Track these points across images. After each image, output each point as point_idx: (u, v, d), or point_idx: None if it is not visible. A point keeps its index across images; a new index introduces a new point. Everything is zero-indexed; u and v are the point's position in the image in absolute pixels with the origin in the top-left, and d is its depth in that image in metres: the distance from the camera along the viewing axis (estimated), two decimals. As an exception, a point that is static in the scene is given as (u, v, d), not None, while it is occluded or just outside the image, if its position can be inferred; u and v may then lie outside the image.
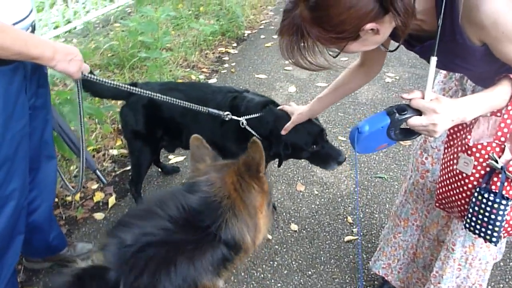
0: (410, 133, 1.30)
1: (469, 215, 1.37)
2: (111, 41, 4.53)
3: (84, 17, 5.12)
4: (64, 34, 4.85)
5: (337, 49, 1.25)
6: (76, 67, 1.55)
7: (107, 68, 4.16)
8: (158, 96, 1.96)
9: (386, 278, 2.06)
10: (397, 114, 1.24)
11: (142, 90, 1.94)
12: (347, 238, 2.53)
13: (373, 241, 2.52)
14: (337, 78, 1.95)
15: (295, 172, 3.07)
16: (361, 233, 2.57)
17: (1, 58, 1.36)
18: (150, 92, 1.95)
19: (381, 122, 1.26)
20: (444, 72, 1.71)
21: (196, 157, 1.41)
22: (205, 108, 2.04)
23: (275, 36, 5.56)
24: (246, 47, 5.29)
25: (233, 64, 4.81)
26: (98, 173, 2.06)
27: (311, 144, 2.13)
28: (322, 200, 2.83)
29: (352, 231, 2.59)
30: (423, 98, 1.24)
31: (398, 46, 1.34)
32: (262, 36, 5.61)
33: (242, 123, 2.13)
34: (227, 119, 2.07)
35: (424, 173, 1.77)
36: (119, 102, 3.49)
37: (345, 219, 2.68)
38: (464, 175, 1.36)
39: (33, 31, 1.61)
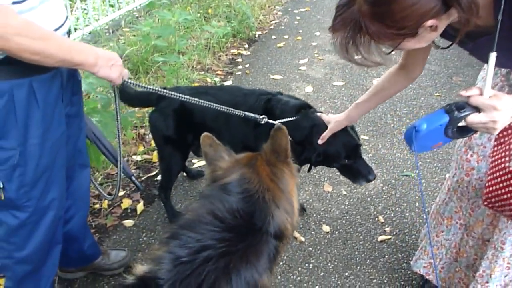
0: (466, 130, 1.28)
1: None
2: (123, 46, 4.51)
3: (94, 23, 5.09)
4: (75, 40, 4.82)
5: (392, 45, 1.23)
6: (117, 72, 1.54)
7: (123, 74, 4.13)
8: (199, 102, 1.94)
9: (427, 277, 2.04)
10: (456, 112, 1.22)
11: (185, 96, 1.91)
12: (380, 238, 2.51)
13: (407, 240, 2.49)
14: (376, 83, 1.92)
15: (321, 172, 3.04)
16: (394, 232, 2.54)
17: (41, 66, 1.34)
18: (190, 98, 1.92)
19: (440, 120, 1.24)
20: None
21: (211, 155, 1.39)
22: (241, 112, 2.01)
23: (286, 36, 5.57)
24: (258, 48, 5.26)
25: (246, 65, 4.79)
26: (134, 179, 2.04)
27: (344, 157, 2.11)
28: (351, 200, 2.80)
29: (385, 230, 2.56)
30: (481, 95, 1.22)
31: (451, 44, 1.31)
32: (273, 37, 5.58)
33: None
34: (263, 122, 2.04)
35: (469, 171, 1.74)
36: (141, 109, 3.48)
37: (377, 219, 2.65)
38: None
39: (68, 37, 1.59)
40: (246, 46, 5.32)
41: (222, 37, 4.99)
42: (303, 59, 4.92)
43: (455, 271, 1.95)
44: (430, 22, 1.10)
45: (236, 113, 2.00)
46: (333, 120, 2.06)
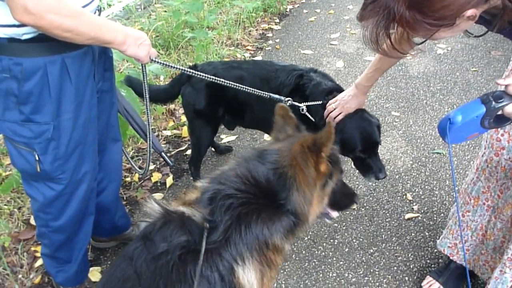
0: (504, 120, 1.23)
1: None
2: (155, 22, 4.54)
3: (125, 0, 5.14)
4: (106, 18, 4.88)
5: (425, 36, 1.17)
6: (145, 51, 1.57)
7: (154, 50, 4.17)
8: (223, 82, 1.95)
9: (451, 257, 2.01)
10: (493, 102, 1.18)
11: (209, 76, 1.95)
12: (407, 215, 2.48)
13: (435, 218, 2.46)
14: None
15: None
16: (422, 211, 2.51)
17: (73, 43, 1.38)
18: (215, 78, 1.94)
19: (476, 112, 1.20)
20: None
21: (278, 126, 1.43)
22: (266, 93, 2.01)
23: (318, 10, 5.47)
24: (289, 22, 5.19)
25: (277, 40, 4.74)
26: (164, 155, 2.08)
27: (360, 150, 2.07)
28: (379, 177, 2.77)
29: (412, 208, 2.54)
30: None
31: (487, 31, 1.26)
32: (305, 11, 5.48)
33: (302, 109, 2.10)
34: (287, 104, 2.02)
35: (499, 150, 1.68)
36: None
37: (404, 196, 2.62)
38: None
39: (99, 14, 1.62)
40: (277, 20, 5.26)
41: (252, 11, 4.95)
42: (335, 33, 4.83)
43: (481, 254, 1.91)
44: (470, 12, 1.05)
45: (261, 94, 2.00)
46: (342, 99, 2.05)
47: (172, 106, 3.45)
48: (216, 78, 1.95)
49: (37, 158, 1.54)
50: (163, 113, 3.33)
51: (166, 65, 1.78)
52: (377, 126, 2.11)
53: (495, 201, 1.78)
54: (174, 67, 1.83)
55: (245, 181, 1.25)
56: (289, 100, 2.04)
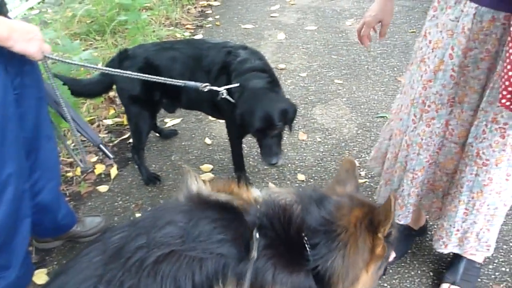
0: None
1: None
2: (87, 6, 4.32)
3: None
4: (37, 5, 4.61)
5: None
6: (36, 47, 1.45)
7: (88, 36, 3.98)
8: (141, 76, 1.90)
9: (399, 222, 1.93)
10: None
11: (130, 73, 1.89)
12: (355, 181, 2.51)
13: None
14: None
15: (295, 121, 3.00)
16: (369, 175, 2.55)
17: None
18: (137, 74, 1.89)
19: None
20: (434, 4, 1.56)
21: (339, 179, 1.31)
22: (182, 82, 1.93)
23: (257, -16, 5.36)
24: (228, -3, 5.08)
25: (217, 17, 4.63)
26: (103, 147, 1.96)
27: (257, 128, 2.05)
28: (326, 146, 2.79)
29: (360, 174, 2.57)
30: None
31: None
32: (243, -16, 5.37)
33: (222, 94, 2.05)
34: (205, 90, 1.95)
35: (430, 121, 1.64)
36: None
37: (351, 163, 2.65)
38: None
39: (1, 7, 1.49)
40: (216, -4, 5.13)
41: (190, -12, 4.80)
42: (274, 5, 4.77)
43: (432, 202, 1.88)
44: None
45: (176, 83, 1.93)
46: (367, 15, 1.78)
47: (112, 94, 3.31)
48: (137, 74, 1.89)
49: None
50: (102, 101, 3.20)
51: (63, 61, 1.66)
52: (283, 110, 2.05)
53: (435, 157, 1.75)
54: (74, 64, 1.71)
55: (292, 220, 1.11)
56: (206, 85, 1.96)
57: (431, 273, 1.99)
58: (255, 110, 2.02)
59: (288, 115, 2.11)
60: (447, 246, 1.79)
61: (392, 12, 1.77)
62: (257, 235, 1.04)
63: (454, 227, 1.74)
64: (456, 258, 1.91)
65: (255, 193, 1.20)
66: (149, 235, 1.02)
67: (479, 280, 1.92)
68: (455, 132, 1.60)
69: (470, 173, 1.59)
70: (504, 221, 2.07)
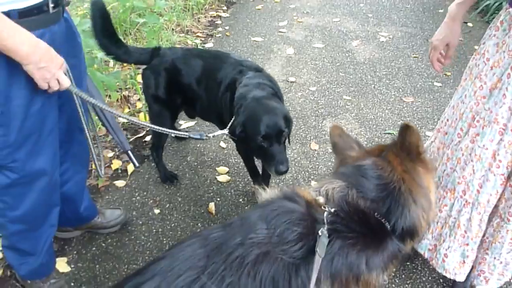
0: None
1: None
2: (99, 7, 4.36)
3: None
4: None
5: None
6: (41, 76, 1.40)
7: (101, 35, 4.02)
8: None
9: (431, 262, 1.90)
10: None
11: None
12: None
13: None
14: None
15: (307, 132, 3.11)
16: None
17: (26, 25, 1.30)
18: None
19: None
20: (496, 24, 1.57)
21: (341, 146, 1.33)
22: (185, 133, 1.91)
23: (265, -2, 5.52)
24: (237, 10, 5.21)
25: (226, 27, 4.75)
26: (131, 154, 1.98)
27: (262, 136, 1.95)
28: (337, 157, 2.89)
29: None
30: None
31: None
32: (252, -1, 5.52)
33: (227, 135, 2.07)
34: (204, 138, 1.90)
35: (474, 137, 1.60)
36: (125, 67, 3.44)
37: (362, 175, 2.75)
38: None
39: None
40: (225, 8, 5.26)
41: (200, -2, 4.92)
42: (283, 21, 4.91)
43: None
44: None
45: (179, 134, 1.94)
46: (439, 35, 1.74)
47: (126, 93, 3.37)
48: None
49: None
50: (117, 100, 3.24)
51: (85, 99, 1.61)
52: (285, 116, 2.01)
53: (474, 196, 1.65)
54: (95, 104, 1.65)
55: (354, 203, 1.15)
56: (209, 135, 1.94)
57: (441, 280, 2.08)
58: (260, 116, 1.95)
59: (290, 123, 2.05)
60: (488, 281, 1.79)
61: (459, 34, 1.73)
62: (325, 231, 1.06)
63: (498, 260, 1.73)
64: None
65: (312, 192, 1.24)
66: (243, 235, 1.06)
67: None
68: (503, 162, 1.55)
69: None
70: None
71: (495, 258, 1.73)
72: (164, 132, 1.86)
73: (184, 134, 1.90)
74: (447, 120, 1.78)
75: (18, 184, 1.59)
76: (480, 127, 1.57)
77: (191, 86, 2.31)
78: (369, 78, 3.83)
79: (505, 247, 1.68)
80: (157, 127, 1.84)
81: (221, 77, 2.19)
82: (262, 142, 1.97)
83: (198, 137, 1.87)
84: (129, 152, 2.00)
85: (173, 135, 2.36)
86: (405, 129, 1.19)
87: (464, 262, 1.77)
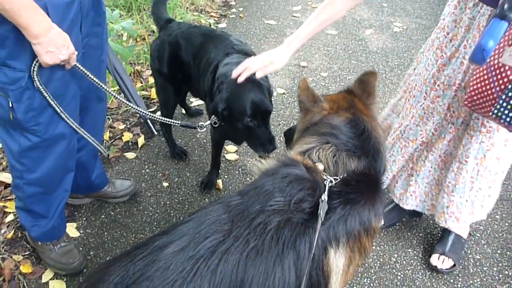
0: None
1: (501, 102, 1.38)
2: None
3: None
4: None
5: None
6: (48, 59, 1.43)
7: (115, 9, 4.04)
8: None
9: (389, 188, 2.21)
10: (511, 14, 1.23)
11: None
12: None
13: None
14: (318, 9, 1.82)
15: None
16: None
17: None
18: None
19: (501, 30, 1.25)
20: (454, 3, 1.74)
21: (310, 99, 1.40)
22: (178, 122, 1.96)
23: (282, -19, 5.48)
24: (251, -8, 5.19)
25: (240, 9, 4.74)
26: (150, 123, 2.02)
27: (249, 115, 1.87)
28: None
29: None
30: None
31: None
32: (267, -19, 5.49)
33: (215, 123, 1.98)
34: (201, 130, 1.98)
35: (435, 99, 1.84)
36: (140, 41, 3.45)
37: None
38: (507, 67, 1.34)
39: None
40: (239, -11, 5.23)
41: (215, -23, 4.90)
42: (297, 6, 4.90)
43: (409, 185, 2.09)
44: None
45: (173, 123, 1.97)
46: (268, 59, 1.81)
47: (138, 68, 3.39)
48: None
49: (10, 105, 1.48)
50: (130, 74, 3.26)
51: (89, 78, 1.65)
52: (268, 90, 1.93)
53: (430, 137, 1.95)
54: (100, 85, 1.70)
55: (349, 165, 1.23)
56: (202, 124, 1.96)
57: (422, 245, 2.21)
58: (244, 96, 1.85)
59: (271, 95, 1.98)
60: (459, 219, 1.97)
61: None
62: (326, 198, 1.13)
63: (463, 198, 1.92)
64: (445, 232, 2.15)
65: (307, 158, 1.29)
66: (262, 203, 1.12)
67: (484, 279, 2.07)
68: (456, 113, 1.80)
69: (475, 142, 1.77)
70: (507, 230, 2.26)
71: (460, 197, 1.92)
72: (166, 122, 1.94)
73: (176, 123, 1.94)
74: (415, 84, 1.99)
75: (38, 147, 1.64)
76: (441, 90, 1.81)
77: (188, 63, 2.28)
78: (381, 67, 3.83)
79: (467, 186, 1.89)
80: (161, 118, 1.90)
81: (212, 58, 2.14)
82: (249, 122, 1.89)
83: (192, 127, 1.94)
84: (148, 121, 2.04)
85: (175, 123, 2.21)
86: (369, 75, 1.38)
87: (406, 190, 2.11)
